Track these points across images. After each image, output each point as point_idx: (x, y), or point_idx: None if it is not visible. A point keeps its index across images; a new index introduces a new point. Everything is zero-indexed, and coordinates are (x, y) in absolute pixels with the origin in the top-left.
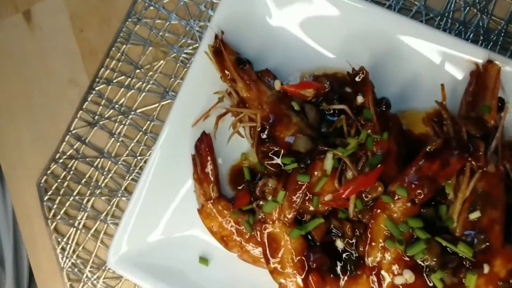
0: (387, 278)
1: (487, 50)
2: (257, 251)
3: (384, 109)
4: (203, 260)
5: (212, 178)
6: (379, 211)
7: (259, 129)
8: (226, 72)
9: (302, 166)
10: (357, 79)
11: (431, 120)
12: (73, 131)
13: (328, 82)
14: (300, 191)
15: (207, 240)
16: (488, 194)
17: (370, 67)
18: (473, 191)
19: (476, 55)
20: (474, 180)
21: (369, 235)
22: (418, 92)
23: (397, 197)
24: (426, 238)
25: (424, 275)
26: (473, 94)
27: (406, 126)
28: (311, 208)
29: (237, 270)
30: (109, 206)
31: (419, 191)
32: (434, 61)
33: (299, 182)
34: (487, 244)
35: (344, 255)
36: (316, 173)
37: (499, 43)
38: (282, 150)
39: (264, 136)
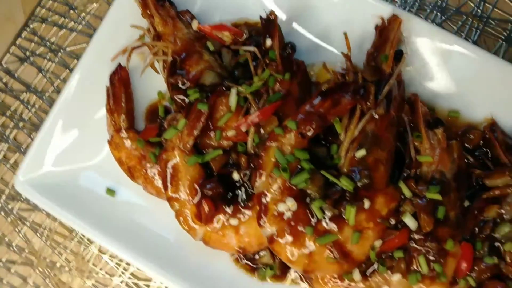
0: (271, 205)
1: (392, 5)
2: (160, 183)
3: (289, 52)
4: (110, 191)
5: (123, 110)
6: (271, 142)
7: (170, 61)
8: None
9: (203, 95)
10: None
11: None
12: (4, 65)
13: (246, 30)
14: (200, 120)
15: (116, 172)
16: (376, 136)
17: (288, 21)
18: (363, 132)
19: (383, 11)
20: (364, 121)
21: (260, 164)
22: (330, 46)
23: (287, 129)
24: (310, 168)
25: (307, 205)
26: (375, 47)
27: (317, 78)
28: (214, 143)
29: (143, 203)
30: (30, 140)
31: (308, 125)
32: (346, 17)
33: (200, 111)
34: (370, 181)
35: (239, 188)
36: (221, 108)
37: (416, 8)
38: (190, 83)
39: (175, 70)
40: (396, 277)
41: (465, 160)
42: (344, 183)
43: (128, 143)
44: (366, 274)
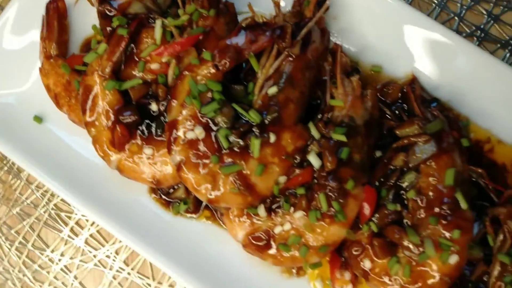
0: (180, 133)
1: None
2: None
3: None
4: (37, 118)
5: (55, 38)
6: (186, 72)
7: None
8: None
9: (124, 21)
10: None
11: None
12: None
13: None
14: (120, 45)
15: (46, 100)
16: (291, 75)
17: None
18: (278, 71)
19: None
20: (279, 60)
21: (174, 93)
22: None
23: (204, 61)
24: (220, 99)
25: (215, 134)
26: None
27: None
28: (138, 75)
29: (69, 132)
30: None
31: (223, 58)
32: None
33: (120, 36)
34: (278, 117)
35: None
36: (146, 40)
37: None
38: (117, 12)
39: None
40: (299, 214)
41: (381, 111)
42: (252, 116)
43: (56, 70)
44: (271, 211)
